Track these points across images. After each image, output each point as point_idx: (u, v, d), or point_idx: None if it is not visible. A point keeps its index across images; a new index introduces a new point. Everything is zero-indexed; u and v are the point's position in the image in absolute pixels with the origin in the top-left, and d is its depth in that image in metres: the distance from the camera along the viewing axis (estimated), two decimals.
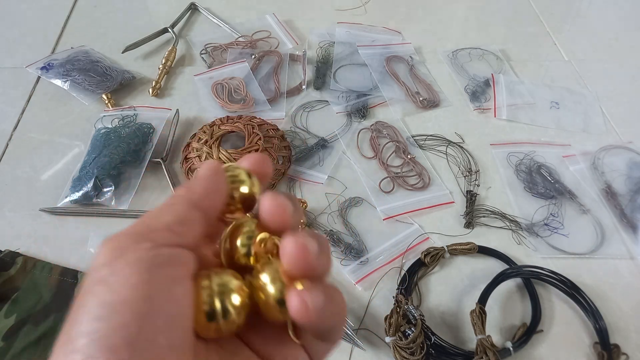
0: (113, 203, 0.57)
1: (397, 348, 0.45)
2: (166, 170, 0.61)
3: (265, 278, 0.20)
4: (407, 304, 0.48)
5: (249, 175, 0.22)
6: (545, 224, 0.58)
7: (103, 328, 0.16)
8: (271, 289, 0.20)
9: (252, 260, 0.21)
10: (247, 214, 0.23)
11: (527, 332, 0.48)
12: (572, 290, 0.50)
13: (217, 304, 0.19)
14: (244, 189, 0.22)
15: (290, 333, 0.21)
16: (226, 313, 0.19)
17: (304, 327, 0.20)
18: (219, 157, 0.58)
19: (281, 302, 0.20)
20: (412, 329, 0.46)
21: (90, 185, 0.57)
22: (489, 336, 0.45)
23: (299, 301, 0.19)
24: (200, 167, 0.22)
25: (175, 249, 0.19)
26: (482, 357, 0.44)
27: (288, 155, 0.62)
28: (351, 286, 0.52)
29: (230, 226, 0.22)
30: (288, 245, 0.19)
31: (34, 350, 0.46)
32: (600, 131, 0.69)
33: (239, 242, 0.21)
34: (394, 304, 0.48)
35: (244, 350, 0.21)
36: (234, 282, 0.20)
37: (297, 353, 0.21)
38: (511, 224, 0.58)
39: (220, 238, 0.22)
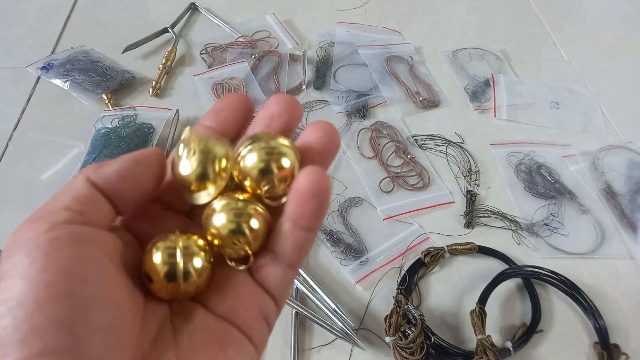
0: None
1: (397, 348, 0.45)
2: None
3: (217, 217, 0.21)
4: (407, 303, 0.48)
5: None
6: (545, 224, 0.58)
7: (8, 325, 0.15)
8: (223, 221, 0.21)
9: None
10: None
11: (527, 332, 0.48)
12: (572, 290, 0.50)
13: (178, 265, 0.20)
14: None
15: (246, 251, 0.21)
16: (187, 274, 0.20)
17: (307, 204, 0.20)
18: None
19: (235, 231, 0.21)
20: (412, 329, 0.46)
21: None
22: (489, 336, 0.45)
23: (313, 168, 0.20)
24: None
25: (77, 226, 0.18)
26: (482, 357, 0.44)
27: None
28: (351, 286, 0.52)
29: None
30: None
31: None
32: (600, 131, 0.69)
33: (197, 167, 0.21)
34: (394, 303, 0.48)
35: (199, 312, 0.21)
36: (196, 243, 0.21)
37: (255, 293, 0.21)
38: (511, 224, 0.58)
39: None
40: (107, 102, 0.68)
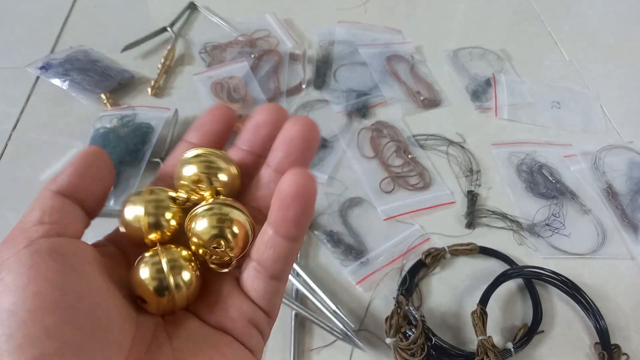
0: (112, 203, 0.57)
1: (398, 349, 0.45)
2: None
3: (195, 226, 0.21)
4: (407, 304, 0.48)
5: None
6: (547, 224, 0.57)
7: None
8: (204, 228, 0.21)
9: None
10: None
11: (528, 333, 0.47)
12: (573, 290, 0.50)
13: (168, 279, 0.20)
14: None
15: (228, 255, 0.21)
16: (177, 286, 0.20)
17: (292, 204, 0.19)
18: None
19: (216, 235, 0.21)
20: (413, 330, 0.45)
21: None
22: (490, 337, 0.45)
23: (300, 171, 0.19)
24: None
25: (55, 239, 0.18)
26: (483, 358, 0.44)
27: None
28: (351, 287, 0.52)
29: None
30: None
31: None
32: (601, 131, 0.69)
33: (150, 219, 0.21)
34: (395, 304, 0.48)
35: (192, 320, 0.21)
36: (181, 255, 0.21)
37: (242, 303, 0.21)
38: (512, 225, 0.57)
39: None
40: (106, 101, 0.68)
